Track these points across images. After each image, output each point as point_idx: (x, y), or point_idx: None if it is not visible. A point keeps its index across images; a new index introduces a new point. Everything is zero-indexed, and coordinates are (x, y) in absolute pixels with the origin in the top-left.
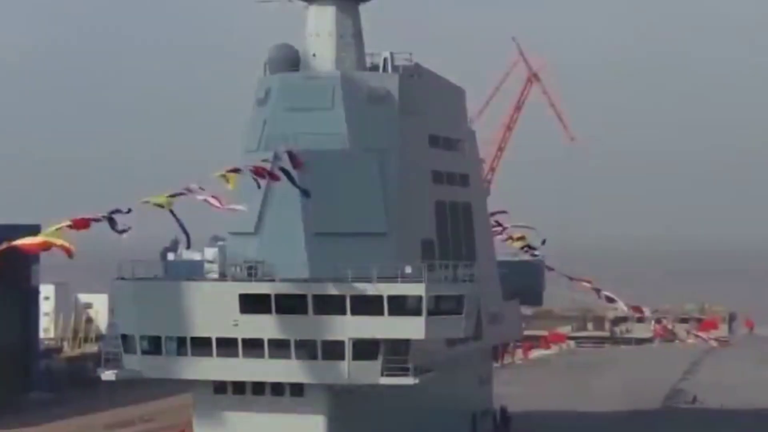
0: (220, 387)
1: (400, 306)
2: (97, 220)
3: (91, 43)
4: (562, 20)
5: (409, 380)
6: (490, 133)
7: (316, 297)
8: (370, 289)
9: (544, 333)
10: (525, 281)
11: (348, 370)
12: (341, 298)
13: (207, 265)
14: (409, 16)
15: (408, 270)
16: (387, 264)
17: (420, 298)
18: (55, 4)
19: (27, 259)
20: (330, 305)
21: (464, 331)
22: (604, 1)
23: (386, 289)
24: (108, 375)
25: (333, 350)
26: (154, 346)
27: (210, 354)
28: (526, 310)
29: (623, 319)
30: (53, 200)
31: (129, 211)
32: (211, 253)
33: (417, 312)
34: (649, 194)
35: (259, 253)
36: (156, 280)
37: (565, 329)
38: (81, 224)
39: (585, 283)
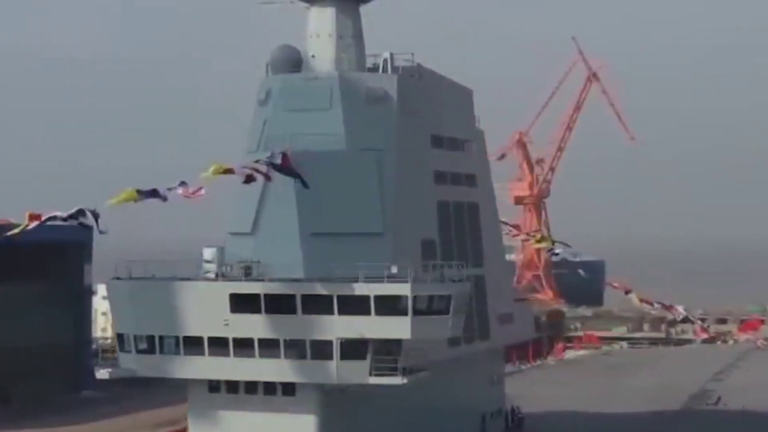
0: (214, 386)
1: (387, 306)
2: (58, 217)
3: (96, 46)
4: (569, 20)
5: (397, 380)
6: (549, 133)
7: (304, 297)
8: (357, 289)
9: (580, 334)
10: (585, 281)
11: (336, 370)
12: (329, 298)
13: (205, 265)
14: (438, 17)
15: (394, 270)
16: (381, 264)
17: (405, 297)
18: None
19: (80, 259)
20: (318, 305)
21: (451, 331)
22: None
23: (372, 289)
24: (102, 373)
25: (322, 350)
26: (148, 345)
27: (202, 353)
28: (586, 311)
29: (684, 320)
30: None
31: (94, 212)
32: (209, 253)
33: (403, 312)
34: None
35: (255, 253)
36: (150, 279)
37: (621, 330)
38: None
39: (614, 284)
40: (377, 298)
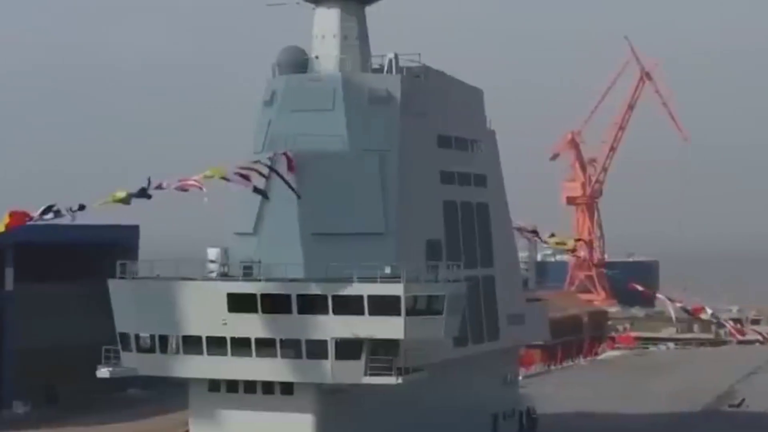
0: (214, 385)
1: (380, 306)
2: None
3: (107, 55)
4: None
5: (392, 380)
6: (602, 132)
7: (299, 297)
8: (351, 289)
9: (614, 334)
10: (637, 282)
11: (331, 370)
12: (324, 298)
13: (208, 265)
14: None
15: (387, 270)
16: (379, 264)
17: (398, 298)
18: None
19: (123, 257)
20: (313, 305)
21: (446, 332)
22: None
23: (366, 290)
24: (103, 372)
25: (317, 349)
26: (149, 344)
27: (201, 352)
28: (639, 311)
29: (735, 321)
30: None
31: (82, 207)
32: (213, 252)
33: (396, 312)
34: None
35: (257, 253)
36: (149, 279)
37: (669, 331)
38: (19, 219)
39: (638, 287)
40: (371, 298)
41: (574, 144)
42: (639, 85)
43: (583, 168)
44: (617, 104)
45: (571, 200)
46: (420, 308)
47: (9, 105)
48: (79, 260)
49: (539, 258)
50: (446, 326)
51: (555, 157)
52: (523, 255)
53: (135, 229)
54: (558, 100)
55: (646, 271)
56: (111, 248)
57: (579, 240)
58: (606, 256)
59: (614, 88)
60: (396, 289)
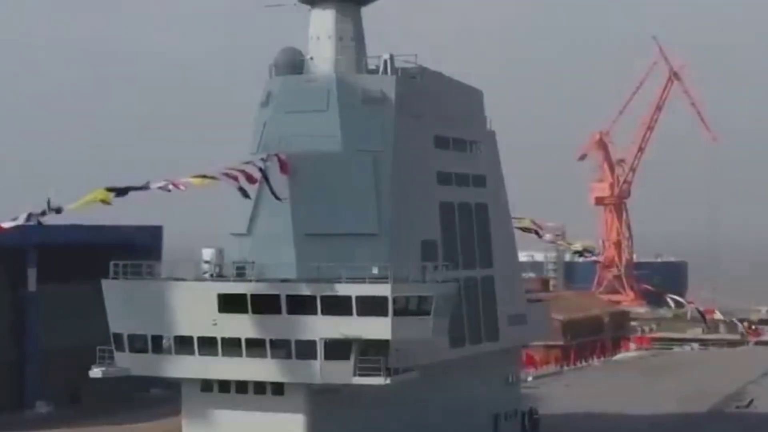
0: (206, 385)
1: (368, 306)
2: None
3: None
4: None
5: (380, 380)
6: (629, 133)
7: (289, 297)
8: (339, 289)
9: (630, 335)
10: (666, 282)
11: (320, 370)
12: (313, 299)
13: (203, 266)
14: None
15: (375, 271)
16: (370, 265)
17: (386, 298)
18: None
19: (147, 257)
20: (302, 305)
21: (434, 332)
22: None
23: (354, 290)
24: (95, 372)
25: (306, 350)
26: (141, 344)
27: (193, 353)
28: (667, 312)
29: (764, 322)
30: None
31: (59, 210)
32: (208, 253)
33: (384, 312)
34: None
35: (251, 254)
36: (142, 279)
37: (695, 332)
38: None
39: (650, 288)
40: (359, 298)
41: (603, 144)
42: (667, 85)
43: (612, 168)
44: (645, 104)
45: (599, 201)
46: (410, 309)
47: (8, 105)
48: (102, 261)
49: (567, 258)
50: (434, 327)
51: (583, 157)
52: (550, 256)
53: (158, 229)
54: (587, 101)
55: (675, 272)
56: (133, 248)
57: (598, 254)
58: (635, 256)
59: (643, 88)
60: (383, 290)
